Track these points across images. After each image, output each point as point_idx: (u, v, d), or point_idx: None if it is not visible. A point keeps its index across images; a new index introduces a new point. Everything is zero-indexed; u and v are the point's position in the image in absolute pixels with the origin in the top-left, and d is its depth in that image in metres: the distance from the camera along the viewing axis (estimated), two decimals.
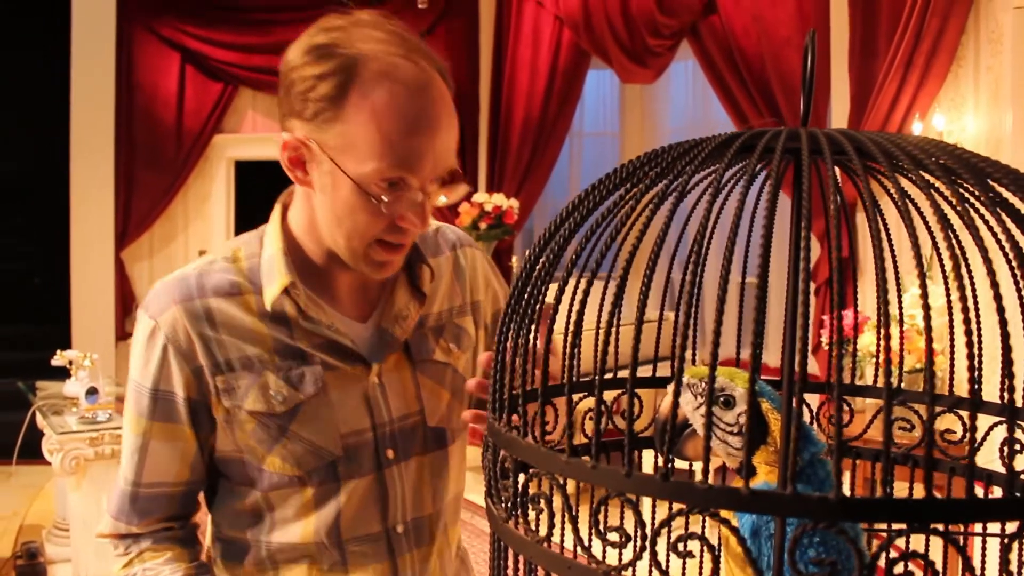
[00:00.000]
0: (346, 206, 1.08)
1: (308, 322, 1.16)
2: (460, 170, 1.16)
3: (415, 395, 1.23)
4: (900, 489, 0.95)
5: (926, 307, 0.45)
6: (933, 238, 0.71)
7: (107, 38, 6.14)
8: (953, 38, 3.70)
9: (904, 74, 3.81)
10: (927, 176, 0.52)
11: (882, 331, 0.46)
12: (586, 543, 0.56)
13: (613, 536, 0.53)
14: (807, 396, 1.02)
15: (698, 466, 1.09)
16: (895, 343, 3.31)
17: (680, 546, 0.51)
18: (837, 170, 0.75)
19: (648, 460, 3.38)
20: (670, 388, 0.86)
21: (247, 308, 1.16)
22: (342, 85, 1.05)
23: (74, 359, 3.83)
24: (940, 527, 0.48)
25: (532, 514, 0.62)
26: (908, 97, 3.83)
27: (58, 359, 3.86)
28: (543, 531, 0.59)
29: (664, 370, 0.98)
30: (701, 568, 0.99)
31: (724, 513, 0.56)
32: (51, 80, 6.45)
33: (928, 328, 0.45)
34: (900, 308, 0.88)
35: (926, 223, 0.71)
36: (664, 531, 0.52)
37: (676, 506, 0.53)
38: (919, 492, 0.84)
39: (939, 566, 0.51)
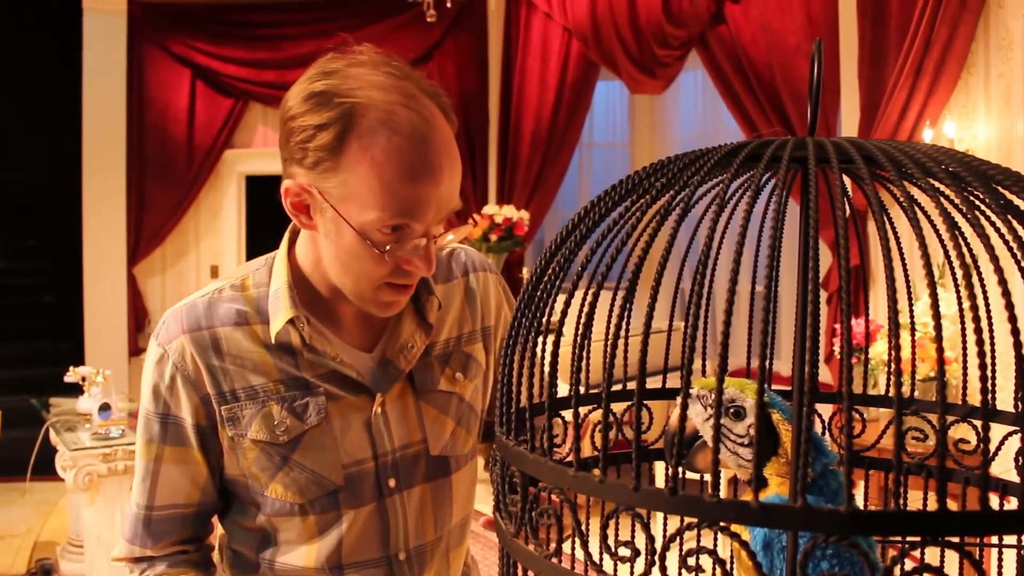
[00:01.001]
0: (350, 253, 1.08)
1: (312, 353, 1.16)
2: (464, 209, 1.16)
3: (418, 424, 1.22)
4: (914, 499, 0.95)
5: (936, 315, 0.45)
6: (944, 245, 0.70)
7: (118, 55, 6.18)
8: (963, 45, 3.68)
9: (914, 81, 3.80)
10: (935, 183, 0.51)
11: (892, 340, 0.46)
12: (595, 558, 0.56)
13: (623, 551, 0.53)
14: (819, 406, 1.01)
15: (709, 478, 1.08)
16: (907, 352, 3.29)
17: (690, 560, 0.51)
18: (847, 178, 0.75)
19: (660, 472, 3.36)
20: (679, 400, 0.85)
21: (254, 338, 1.16)
22: (341, 135, 1.03)
23: (87, 375, 3.84)
24: (955, 540, 0.48)
25: (541, 528, 0.61)
26: (918, 105, 3.82)
27: (71, 375, 3.87)
28: (552, 545, 0.59)
29: (674, 381, 0.97)
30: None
31: (735, 526, 0.55)
32: (63, 97, 6.49)
33: (939, 336, 0.44)
34: (911, 316, 0.87)
35: (936, 231, 0.71)
36: (674, 545, 0.52)
37: (686, 520, 0.53)
38: (933, 502, 0.84)
39: None
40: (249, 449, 1.15)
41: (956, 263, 0.48)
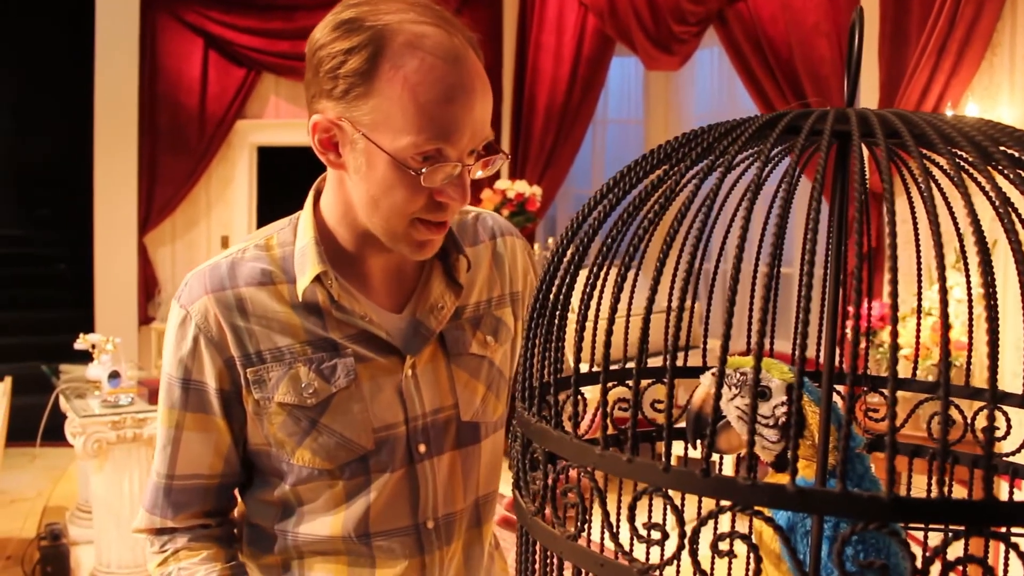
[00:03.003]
0: (383, 184, 1.05)
1: (341, 312, 1.13)
2: (495, 142, 1.12)
3: (449, 388, 1.19)
4: (922, 486, 0.93)
5: (992, 305, 0.43)
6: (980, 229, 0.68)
7: (131, 24, 6.14)
8: (988, 25, 3.62)
9: (936, 62, 3.74)
10: (992, 171, 0.49)
11: (916, 320, 0.44)
12: (619, 540, 0.54)
13: (653, 534, 0.51)
14: (840, 388, 0.99)
15: (720, 458, 1.06)
16: (925, 337, 3.26)
17: (720, 544, 0.49)
18: (866, 153, 0.73)
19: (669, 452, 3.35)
20: (702, 378, 0.84)
21: (279, 297, 1.13)
22: (372, 57, 1.01)
23: (97, 343, 3.84)
24: (992, 530, 0.46)
25: (561, 508, 0.60)
26: (940, 85, 3.76)
27: (81, 343, 3.88)
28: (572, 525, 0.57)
29: (692, 360, 0.96)
30: (730, 565, 0.97)
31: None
32: (75, 66, 6.47)
33: (992, 318, 0.42)
34: (945, 299, 0.85)
35: (952, 215, 0.68)
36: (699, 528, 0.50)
37: (712, 503, 0.51)
38: (953, 490, 0.82)
39: (978, 570, 0.49)
40: (275, 413, 1.12)
41: (976, 249, 0.46)
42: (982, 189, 0.57)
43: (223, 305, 1.12)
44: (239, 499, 1.25)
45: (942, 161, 0.53)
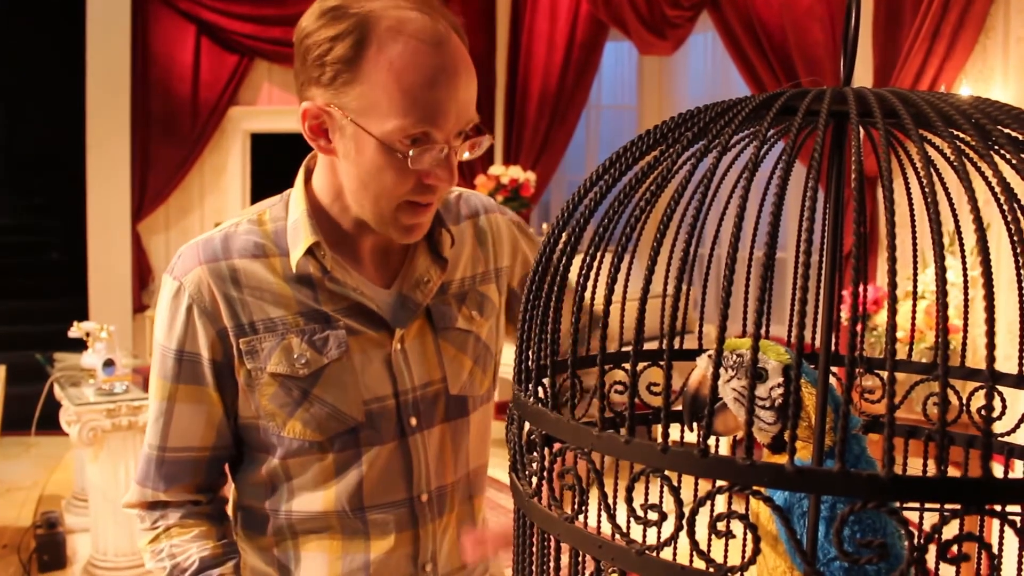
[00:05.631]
0: (371, 168, 1.07)
1: (333, 284, 1.15)
2: (481, 123, 1.14)
3: (437, 363, 1.22)
4: (916, 465, 0.93)
5: (988, 286, 0.43)
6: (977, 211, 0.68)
7: (122, 10, 6.09)
8: (982, 8, 3.62)
9: (930, 45, 3.73)
10: (996, 155, 0.48)
11: (912, 303, 0.44)
12: (617, 521, 0.54)
13: (650, 515, 0.51)
14: (839, 371, 0.99)
15: (716, 442, 1.05)
16: (918, 321, 3.27)
17: (719, 525, 0.49)
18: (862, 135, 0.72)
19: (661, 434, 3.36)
20: (699, 360, 0.84)
21: (272, 270, 1.15)
22: (357, 44, 1.04)
23: (91, 331, 3.83)
24: (989, 508, 0.46)
25: (558, 490, 0.60)
26: (934, 69, 3.76)
27: (75, 331, 3.87)
28: (569, 507, 0.57)
29: (687, 343, 0.96)
30: (727, 546, 0.97)
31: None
32: (67, 53, 6.43)
33: (990, 294, 0.42)
34: (942, 282, 0.85)
35: (949, 198, 0.68)
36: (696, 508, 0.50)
37: (706, 484, 0.51)
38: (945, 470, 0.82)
39: (975, 549, 0.49)
40: (267, 384, 1.13)
41: (970, 230, 0.46)
42: (981, 174, 0.57)
43: (217, 276, 1.13)
44: (230, 479, 1.26)
45: (940, 143, 0.52)
